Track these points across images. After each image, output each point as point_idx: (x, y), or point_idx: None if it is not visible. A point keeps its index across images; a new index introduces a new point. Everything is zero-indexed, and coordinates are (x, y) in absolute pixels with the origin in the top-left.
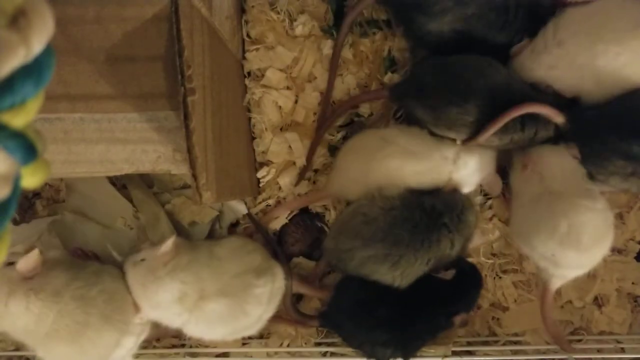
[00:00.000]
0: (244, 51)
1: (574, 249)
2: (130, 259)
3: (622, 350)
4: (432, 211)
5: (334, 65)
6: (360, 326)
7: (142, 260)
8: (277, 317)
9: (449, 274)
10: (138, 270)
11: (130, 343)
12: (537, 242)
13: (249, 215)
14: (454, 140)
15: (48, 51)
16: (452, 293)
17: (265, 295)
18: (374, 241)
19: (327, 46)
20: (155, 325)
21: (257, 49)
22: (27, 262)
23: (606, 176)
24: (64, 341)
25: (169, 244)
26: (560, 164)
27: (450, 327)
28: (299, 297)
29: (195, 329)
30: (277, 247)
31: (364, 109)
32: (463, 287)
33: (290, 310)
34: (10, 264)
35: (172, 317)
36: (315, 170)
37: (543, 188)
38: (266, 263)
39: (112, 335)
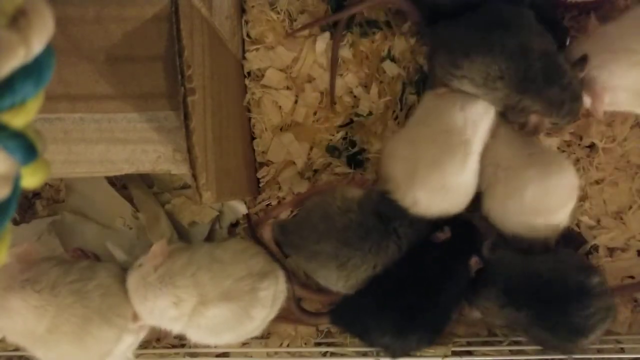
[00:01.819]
0: (244, 51)
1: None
2: (133, 265)
3: (622, 350)
4: (385, 217)
5: (335, 53)
6: (379, 320)
7: (140, 265)
8: (277, 317)
9: (446, 234)
10: (133, 276)
11: (131, 339)
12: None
13: (247, 218)
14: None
15: (48, 51)
16: (458, 249)
17: (269, 299)
18: (327, 238)
19: (323, 40)
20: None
21: (257, 49)
22: (21, 247)
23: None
24: (65, 337)
25: (156, 247)
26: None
27: (467, 281)
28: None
29: (197, 335)
30: (275, 251)
31: (364, 108)
32: (463, 238)
33: (296, 311)
34: None
35: (170, 322)
36: (315, 171)
37: (496, 164)
38: (269, 266)
39: (113, 331)
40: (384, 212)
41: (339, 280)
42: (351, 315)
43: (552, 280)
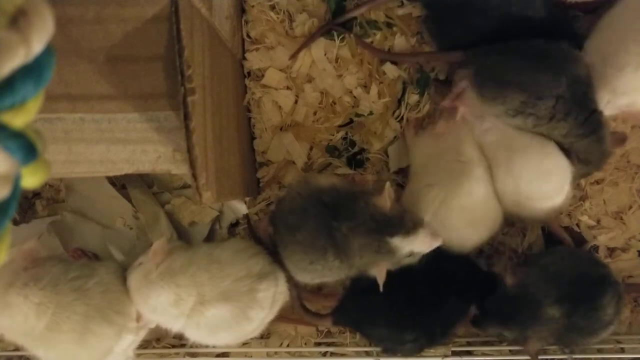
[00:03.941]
0: (244, 51)
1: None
2: (132, 265)
3: (622, 350)
4: (336, 214)
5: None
6: (379, 319)
7: (140, 264)
8: (277, 317)
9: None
10: (134, 274)
11: (131, 337)
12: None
13: (247, 220)
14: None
15: (48, 51)
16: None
17: (268, 300)
18: (277, 220)
19: (321, 45)
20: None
21: (257, 49)
22: (28, 244)
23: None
24: (66, 335)
25: (158, 244)
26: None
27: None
28: None
29: (197, 335)
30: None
31: (364, 107)
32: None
33: (300, 310)
34: None
35: (171, 321)
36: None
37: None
38: (268, 267)
39: (113, 328)
40: (339, 209)
41: (286, 264)
42: (353, 315)
43: (578, 277)
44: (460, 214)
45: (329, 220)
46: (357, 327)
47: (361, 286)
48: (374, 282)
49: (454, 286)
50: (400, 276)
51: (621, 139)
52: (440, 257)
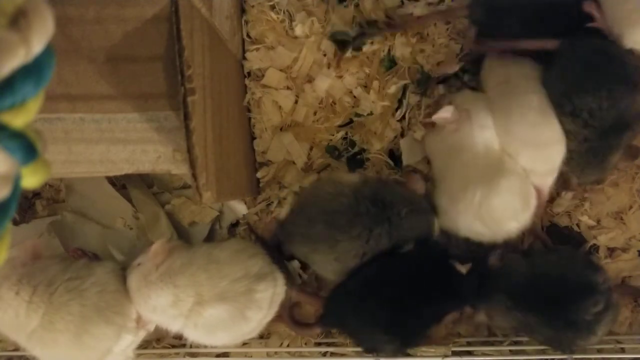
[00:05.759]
0: (244, 51)
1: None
2: (131, 265)
3: (622, 350)
4: (381, 204)
5: None
6: (359, 322)
7: (139, 264)
8: (277, 317)
9: (464, 268)
10: (134, 274)
11: (130, 337)
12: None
13: (248, 224)
14: None
15: (48, 51)
16: (463, 288)
17: (266, 301)
18: (317, 222)
19: (328, 49)
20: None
21: (257, 49)
22: (33, 241)
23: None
24: (62, 335)
25: (158, 245)
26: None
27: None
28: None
29: (195, 335)
30: (276, 253)
31: (364, 107)
32: (474, 284)
33: (289, 322)
34: None
35: (170, 321)
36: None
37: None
38: (267, 267)
39: (111, 329)
40: (381, 199)
41: (329, 264)
42: (338, 317)
43: (559, 279)
44: (504, 209)
45: (379, 212)
46: (342, 328)
47: (343, 288)
48: (356, 283)
49: (436, 288)
50: (383, 277)
51: (635, 153)
52: (424, 259)
